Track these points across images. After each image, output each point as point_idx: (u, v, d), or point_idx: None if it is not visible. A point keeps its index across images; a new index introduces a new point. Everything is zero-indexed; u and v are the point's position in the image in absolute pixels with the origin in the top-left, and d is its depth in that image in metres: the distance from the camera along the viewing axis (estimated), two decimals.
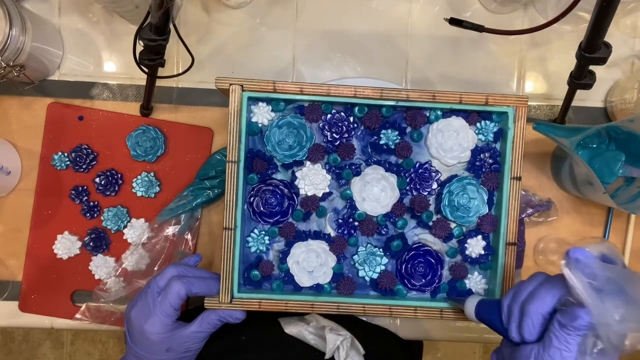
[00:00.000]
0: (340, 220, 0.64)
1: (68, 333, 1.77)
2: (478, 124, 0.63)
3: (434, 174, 0.64)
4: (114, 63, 0.79)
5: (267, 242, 0.63)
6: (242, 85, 0.61)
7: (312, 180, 0.63)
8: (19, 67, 0.68)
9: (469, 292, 0.64)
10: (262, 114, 0.62)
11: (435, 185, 0.64)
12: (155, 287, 0.61)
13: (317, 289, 0.63)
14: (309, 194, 0.63)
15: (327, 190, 0.63)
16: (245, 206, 0.63)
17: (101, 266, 0.77)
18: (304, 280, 0.63)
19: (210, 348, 0.65)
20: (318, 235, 0.63)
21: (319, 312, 0.61)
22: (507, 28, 0.60)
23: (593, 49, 0.58)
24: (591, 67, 0.63)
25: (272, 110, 0.62)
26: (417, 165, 0.64)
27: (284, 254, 0.63)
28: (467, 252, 0.64)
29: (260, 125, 0.62)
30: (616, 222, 0.79)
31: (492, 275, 0.63)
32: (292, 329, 0.68)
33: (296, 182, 0.63)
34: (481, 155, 0.64)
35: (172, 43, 0.69)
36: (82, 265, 0.78)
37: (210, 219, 0.78)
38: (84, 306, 0.77)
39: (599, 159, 0.71)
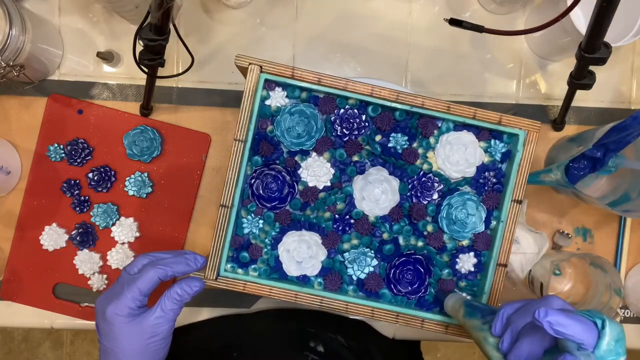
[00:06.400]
0: (336, 216, 0.63)
1: (68, 333, 1.77)
2: (487, 142, 0.63)
3: (436, 184, 0.64)
4: (114, 63, 0.79)
5: (261, 225, 0.63)
6: (261, 67, 0.60)
7: (316, 171, 0.62)
8: (19, 67, 0.67)
9: (445, 293, 0.64)
10: (277, 98, 0.62)
11: (436, 196, 0.64)
12: (125, 275, 0.58)
13: (303, 280, 0.63)
14: (310, 184, 0.63)
15: (329, 183, 0.63)
16: (245, 187, 0.63)
17: (86, 261, 0.77)
18: (291, 269, 0.63)
19: None
20: (313, 226, 0.63)
21: (301, 302, 0.61)
22: (507, 28, 0.60)
23: (593, 49, 0.59)
24: (591, 68, 0.63)
25: (287, 96, 0.62)
26: (421, 173, 0.64)
27: (276, 240, 0.63)
28: (457, 267, 0.64)
29: (272, 109, 0.62)
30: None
31: (478, 294, 0.63)
32: None
33: (299, 171, 0.63)
34: (486, 173, 0.63)
35: (172, 43, 0.69)
36: (66, 258, 0.77)
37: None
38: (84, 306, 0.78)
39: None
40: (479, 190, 0.63)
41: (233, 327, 0.78)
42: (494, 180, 0.63)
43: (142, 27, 0.60)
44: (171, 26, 0.62)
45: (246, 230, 0.63)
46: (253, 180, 0.62)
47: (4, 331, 1.76)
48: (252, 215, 0.63)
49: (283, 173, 0.63)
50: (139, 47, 0.63)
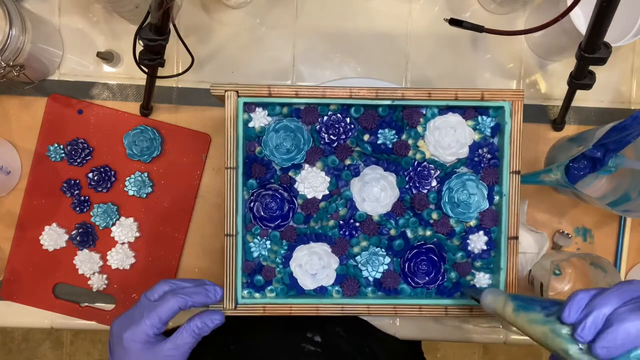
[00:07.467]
0: (341, 222, 0.64)
1: (68, 333, 1.77)
2: (475, 120, 0.63)
3: (432, 171, 0.64)
4: (114, 63, 0.78)
5: (269, 246, 0.63)
6: (237, 92, 0.60)
7: (312, 183, 0.63)
8: (19, 67, 0.67)
9: (473, 287, 0.64)
10: (259, 119, 0.62)
11: (434, 183, 0.64)
12: (145, 300, 0.58)
13: (321, 291, 0.64)
14: (309, 196, 0.63)
15: (327, 192, 0.63)
16: (246, 212, 0.63)
17: (86, 261, 0.77)
18: (307, 283, 0.63)
19: None
20: (319, 237, 0.63)
21: (323, 314, 0.62)
22: (507, 28, 0.60)
23: (593, 49, 0.59)
24: (591, 68, 0.63)
25: (269, 115, 0.62)
26: (416, 163, 0.64)
27: (287, 257, 0.63)
28: (469, 248, 0.64)
29: (257, 130, 0.62)
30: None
31: (495, 271, 0.64)
32: None
33: (295, 186, 0.63)
34: (479, 150, 0.64)
35: (172, 43, 0.68)
36: (66, 258, 0.77)
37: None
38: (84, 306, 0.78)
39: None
40: (476, 169, 0.64)
41: (230, 318, 0.78)
42: (489, 155, 0.64)
43: (142, 27, 0.60)
44: (171, 26, 0.61)
45: (255, 254, 0.63)
46: (252, 204, 0.63)
47: (4, 331, 1.77)
48: (258, 238, 0.63)
49: (280, 191, 0.63)
50: (139, 47, 0.63)
